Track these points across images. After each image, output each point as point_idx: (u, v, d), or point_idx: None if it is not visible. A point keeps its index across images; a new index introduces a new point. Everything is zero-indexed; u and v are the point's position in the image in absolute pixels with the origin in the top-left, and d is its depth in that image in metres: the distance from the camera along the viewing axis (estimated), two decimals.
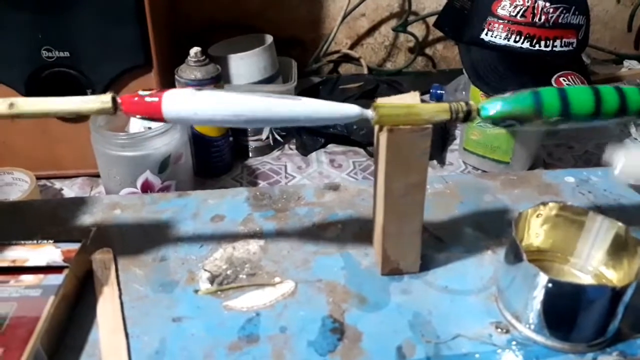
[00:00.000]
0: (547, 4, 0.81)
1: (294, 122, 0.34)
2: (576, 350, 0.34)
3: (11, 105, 0.33)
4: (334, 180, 0.93)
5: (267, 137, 0.99)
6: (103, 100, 0.33)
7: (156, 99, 0.32)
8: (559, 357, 0.34)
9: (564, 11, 0.81)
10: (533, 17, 0.81)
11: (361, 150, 1.00)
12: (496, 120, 0.35)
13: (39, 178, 0.83)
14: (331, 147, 1.02)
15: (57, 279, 0.35)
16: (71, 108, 0.33)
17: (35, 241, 0.39)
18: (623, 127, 1.05)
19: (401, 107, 0.33)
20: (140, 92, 0.33)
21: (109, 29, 0.79)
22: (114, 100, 0.33)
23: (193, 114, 0.32)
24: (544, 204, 0.38)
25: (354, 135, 0.99)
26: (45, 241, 0.38)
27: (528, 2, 0.81)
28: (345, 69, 1.24)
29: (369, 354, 0.34)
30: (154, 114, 0.33)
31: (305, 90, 1.11)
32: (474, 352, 0.35)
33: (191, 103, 0.32)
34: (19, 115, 0.33)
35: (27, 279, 0.36)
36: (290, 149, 1.01)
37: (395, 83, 1.14)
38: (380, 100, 0.35)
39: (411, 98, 0.35)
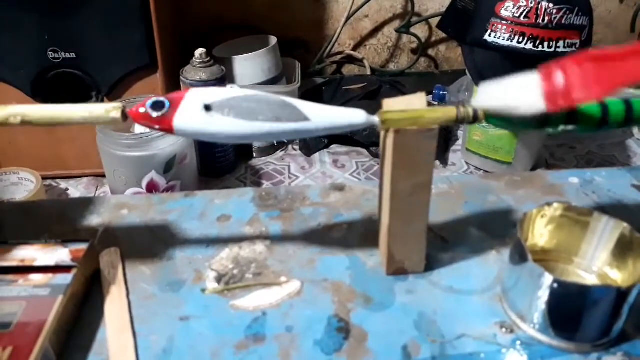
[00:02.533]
0: (551, 5, 0.81)
1: (303, 137, 0.34)
2: (581, 350, 0.35)
3: (17, 116, 0.33)
4: (337, 180, 0.93)
5: None
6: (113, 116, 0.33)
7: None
8: (563, 357, 0.34)
9: (567, 12, 0.82)
10: (536, 18, 0.82)
11: (364, 151, 1.01)
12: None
13: (44, 178, 0.84)
14: (334, 147, 1.02)
15: (65, 279, 0.36)
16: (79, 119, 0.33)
17: (43, 241, 0.39)
18: (625, 127, 1.05)
19: (408, 113, 0.34)
20: (148, 109, 0.33)
21: (115, 30, 0.80)
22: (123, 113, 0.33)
23: (203, 135, 0.33)
24: (549, 204, 0.38)
25: (357, 136, 0.99)
26: (54, 241, 0.39)
27: (531, 3, 0.82)
28: (349, 69, 1.24)
29: (374, 353, 0.35)
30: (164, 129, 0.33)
31: (309, 90, 1.11)
32: (478, 351, 0.35)
33: (202, 125, 0.33)
34: (28, 123, 0.33)
35: (36, 278, 0.36)
36: (294, 149, 1.02)
37: (398, 84, 1.15)
38: (387, 102, 0.35)
39: (417, 99, 0.35)
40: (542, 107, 0.32)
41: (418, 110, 0.34)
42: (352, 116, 0.34)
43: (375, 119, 0.34)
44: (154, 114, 0.32)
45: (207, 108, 0.33)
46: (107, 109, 0.33)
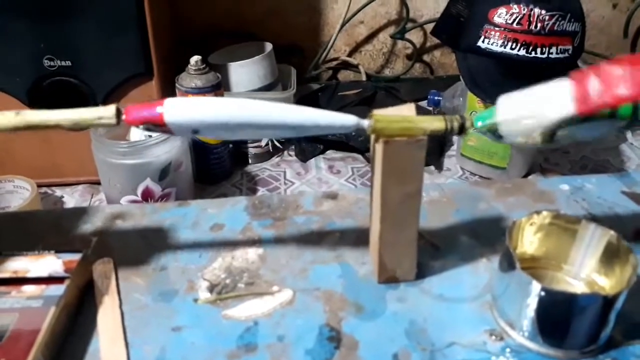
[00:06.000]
0: (543, 12, 0.82)
1: (292, 130, 0.34)
2: (569, 357, 0.35)
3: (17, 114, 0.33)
4: (332, 186, 0.94)
5: (267, 144, 0.99)
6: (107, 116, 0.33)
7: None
8: None
9: (560, 18, 0.82)
10: (529, 25, 0.82)
11: (359, 157, 1.01)
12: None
13: (39, 186, 0.84)
14: (330, 153, 1.03)
15: (58, 290, 0.36)
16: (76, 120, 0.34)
17: (36, 252, 0.39)
18: (619, 132, 1.06)
19: (397, 119, 0.34)
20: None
21: (110, 38, 0.80)
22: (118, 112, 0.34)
23: (193, 119, 0.33)
24: (538, 212, 0.39)
25: (352, 142, 1.00)
26: (47, 252, 0.39)
27: (524, 9, 0.82)
28: (344, 75, 1.25)
29: None
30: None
31: (305, 97, 1.12)
32: (468, 359, 0.35)
33: (192, 108, 0.33)
34: (24, 128, 0.34)
35: (29, 289, 0.36)
36: (290, 155, 1.02)
37: (393, 90, 1.15)
38: (377, 112, 0.36)
39: (407, 109, 0.36)
40: (571, 110, 0.32)
41: (407, 118, 0.34)
42: (343, 117, 0.34)
43: (365, 122, 0.34)
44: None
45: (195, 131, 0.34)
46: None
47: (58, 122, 0.33)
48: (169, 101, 0.33)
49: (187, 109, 0.33)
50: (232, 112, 0.33)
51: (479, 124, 0.35)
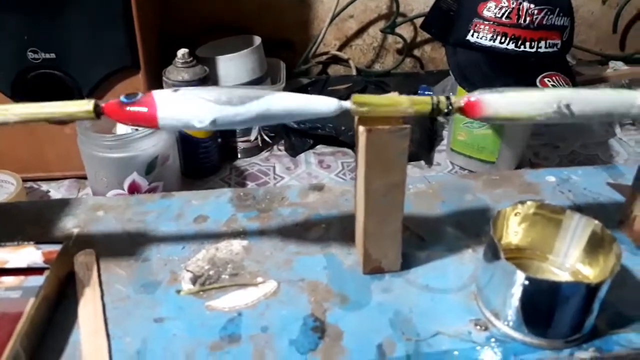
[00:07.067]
0: (532, 6, 0.82)
1: (275, 117, 0.34)
2: (553, 346, 0.35)
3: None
4: (322, 180, 0.93)
5: (256, 138, 0.99)
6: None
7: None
8: (536, 353, 0.35)
9: (548, 13, 0.82)
10: (518, 19, 0.82)
11: (349, 151, 1.01)
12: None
13: (25, 180, 0.83)
14: (320, 148, 1.02)
15: (37, 281, 0.35)
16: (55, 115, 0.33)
17: (15, 243, 0.38)
18: (608, 127, 1.06)
19: (381, 99, 0.34)
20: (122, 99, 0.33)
21: (96, 30, 0.79)
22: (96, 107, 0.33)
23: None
24: (522, 202, 0.39)
25: (342, 136, 0.99)
26: (26, 242, 0.38)
27: (513, 3, 0.82)
28: (334, 70, 1.24)
29: (349, 352, 0.35)
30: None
31: (294, 91, 1.10)
32: (453, 349, 0.35)
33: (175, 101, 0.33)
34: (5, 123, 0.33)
35: (8, 280, 0.35)
36: (279, 150, 1.01)
37: (383, 84, 1.15)
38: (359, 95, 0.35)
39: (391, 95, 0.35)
40: None
41: (391, 97, 0.34)
42: (324, 102, 0.34)
43: (347, 104, 0.34)
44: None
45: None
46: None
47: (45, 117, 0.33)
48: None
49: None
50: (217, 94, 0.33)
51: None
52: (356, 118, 0.36)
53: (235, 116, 0.33)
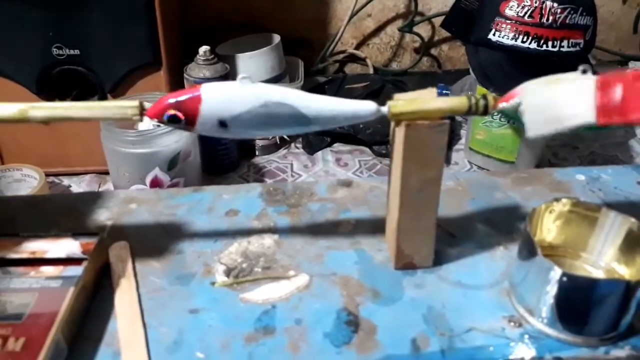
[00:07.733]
0: (555, 5, 0.81)
1: (314, 122, 0.34)
2: (589, 344, 0.35)
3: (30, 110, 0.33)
4: (339, 179, 0.93)
5: (274, 136, 0.99)
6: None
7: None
8: (571, 350, 0.35)
9: (572, 12, 0.82)
10: (541, 18, 0.82)
11: (367, 150, 1.01)
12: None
13: (47, 175, 0.84)
14: (337, 146, 1.02)
15: (76, 271, 0.36)
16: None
17: (53, 234, 0.39)
18: (628, 127, 1.05)
19: (418, 103, 0.34)
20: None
21: (119, 27, 0.80)
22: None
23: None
24: (557, 200, 0.39)
25: (360, 135, 0.99)
26: (64, 234, 0.39)
27: (536, 2, 0.82)
28: (351, 68, 1.24)
29: (384, 346, 0.35)
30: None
31: (311, 89, 1.11)
32: (487, 345, 0.35)
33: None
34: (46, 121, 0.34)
35: (47, 270, 0.36)
36: (297, 147, 1.02)
37: (400, 83, 1.15)
38: (397, 96, 0.35)
39: (427, 94, 0.35)
40: (592, 119, 0.31)
41: (429, 100, 0.34)
42: (362, 106, 0.34)
43: (385, 109, 0.34)
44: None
45: (222, 124, 0.33)
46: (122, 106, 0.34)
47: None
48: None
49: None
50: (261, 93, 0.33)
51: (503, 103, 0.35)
52: None
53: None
